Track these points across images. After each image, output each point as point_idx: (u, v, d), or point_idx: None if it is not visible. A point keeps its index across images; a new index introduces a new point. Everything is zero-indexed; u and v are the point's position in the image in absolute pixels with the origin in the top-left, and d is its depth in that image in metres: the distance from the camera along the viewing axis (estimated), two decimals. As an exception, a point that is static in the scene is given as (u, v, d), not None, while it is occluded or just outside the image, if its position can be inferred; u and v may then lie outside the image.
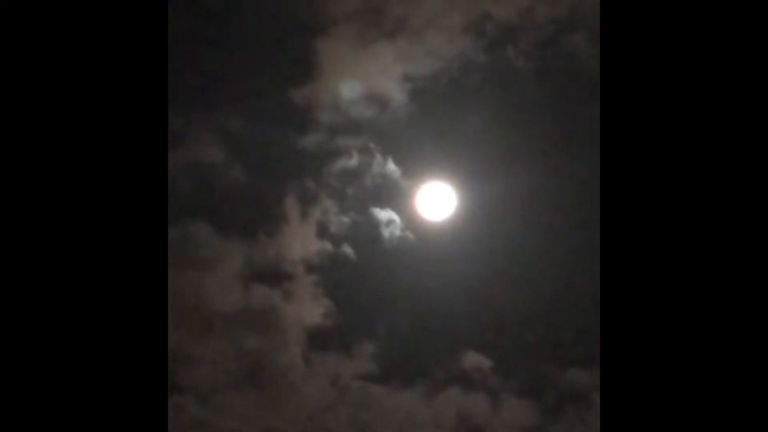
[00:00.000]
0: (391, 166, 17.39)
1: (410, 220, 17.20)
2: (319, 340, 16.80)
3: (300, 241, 17.12)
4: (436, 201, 17.12)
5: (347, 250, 17.11)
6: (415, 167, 17.35)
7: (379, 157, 17.45)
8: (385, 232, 17.16)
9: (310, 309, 16.84)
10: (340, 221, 17.27)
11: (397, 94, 17.59)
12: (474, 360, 16.69)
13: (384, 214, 17.24)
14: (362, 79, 17.73)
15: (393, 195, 17.39)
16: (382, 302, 16.90)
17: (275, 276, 16.97)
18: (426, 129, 17.40)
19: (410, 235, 17.13)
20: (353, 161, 17.48)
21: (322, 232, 17.22)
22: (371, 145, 17.52)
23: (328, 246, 17.13)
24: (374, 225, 17.23)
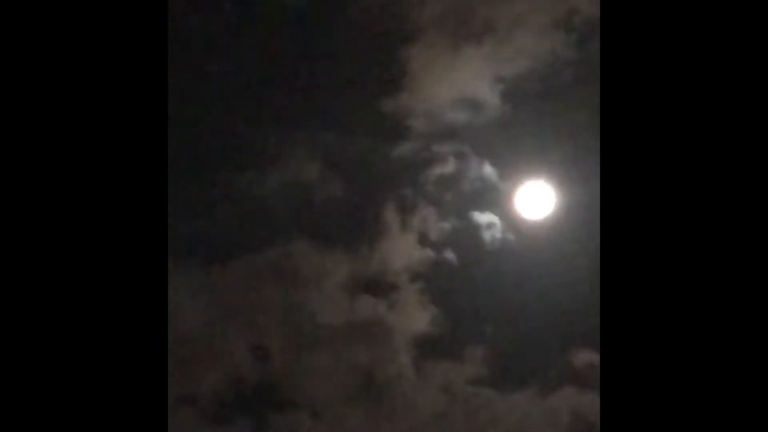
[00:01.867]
0: (488, 169, 17.33)
1: (510, 222, 17.12)
2: (427, 347, 16.79)
3: (402, 251, 17.14)
4: (536, 200, 17.02)
5: (449, 255, 17.09)
6: (512, 168, 17.27)
7: (475, 161, 17.40)
8: (486, 235, 17.10)
9: (416, 317, 16.84)
10: (441, 228, 17.25)
11: (489, 96, 17.53)
12: (586, 358, 16.56)
13: (484, 218, 17.19)
14: (454, 83, 17.70)
15: (491, 198, 17.34)
16: (488, 305, 16.85)
17: (380, 287, 17.01)
18: (520, 129, 17.32)
19: (511, 237, 17.05)
20: (449, 167, 17.45)
21: (423, 239, 17.22)
22: (466, 149, 17.48)
23: (430, 253, 17.12)
24: (474, 229, 17.18)
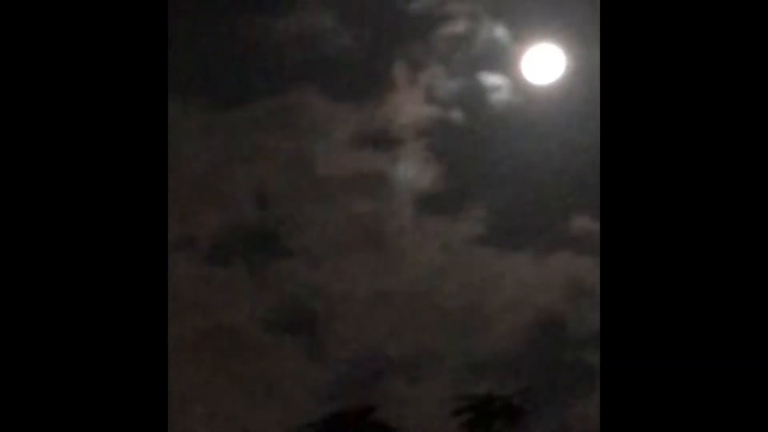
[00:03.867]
0: (500, 31, 17.26)
1: (518, 84, 17.10)
2: (428, 204, 16.89)
3: (409, 106, 17.15)
4: (545, 64, 16.98)
5: (455, 114, 17.11)
6: (524, 31, 17.19)
7: (487, 21, 17.32)
8: (493, 97, 17.10)
9: (419, 173, 16.91)
10: (448, 86, 17.24)
11: (506, -43, 17.42)
12: (583, 223, 16.67)
13: (492, 79, 17.17)
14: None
15: (501, 59, 17.30)
16: (490, 165, 16.90)
17: (385, 140, 17.05)
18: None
19: (518, 99, 17.05)
20: (461, 26, 17.38)
21: (431, 97, 17.21)
22: (479, 9, 17.39)
23: (436, 111, 17.13)
24: (482, 89, 17.17)
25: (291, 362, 16.24)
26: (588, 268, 16.48)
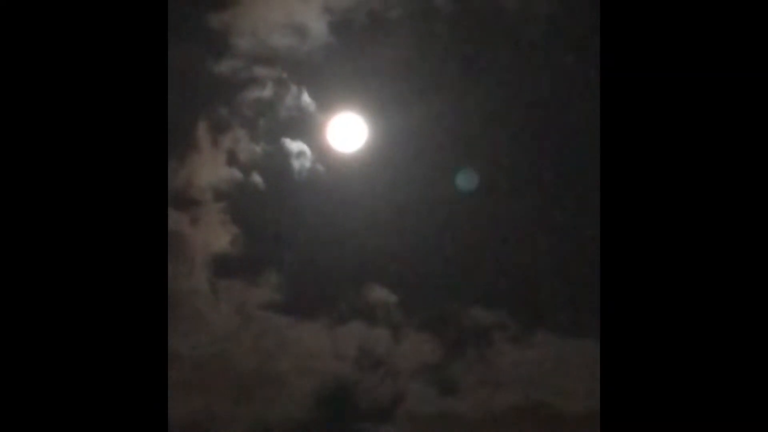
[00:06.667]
0: (306, 99, 17.36)
1: (321, 153, 17.21)
2: (224, 267, 16.79)
3: (210, 168, 17.07)
4: (348, 133, 17.13)
5: (256, 179, 17.09)
6: (330, 100, 17.32)
7: (294, 88, 17.41)
8: (296, 164, 17.16)
9: (217, 236, 16.82)
10: (251, 150, 17.22)
11: (316, 25, 17.54)
12: (379, 294, 16.78)
13: (295, 146, 17.24)
14: (283, 7, 17.64)
15: (305, 127, 17.38)
16: (289, 233, 16.91)
17: (183, 201, 16.91)
18: (343, 62, 17.38)
19: (320, 167, 17.14)
20: (268, 91, 17.42)
21: (232, 160, 17.17)
22: (287, 75, 17.47)
23: (237, 174, 17.10)
24: (285, 156, 17.21)
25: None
26: (381, 339, 16.59)
